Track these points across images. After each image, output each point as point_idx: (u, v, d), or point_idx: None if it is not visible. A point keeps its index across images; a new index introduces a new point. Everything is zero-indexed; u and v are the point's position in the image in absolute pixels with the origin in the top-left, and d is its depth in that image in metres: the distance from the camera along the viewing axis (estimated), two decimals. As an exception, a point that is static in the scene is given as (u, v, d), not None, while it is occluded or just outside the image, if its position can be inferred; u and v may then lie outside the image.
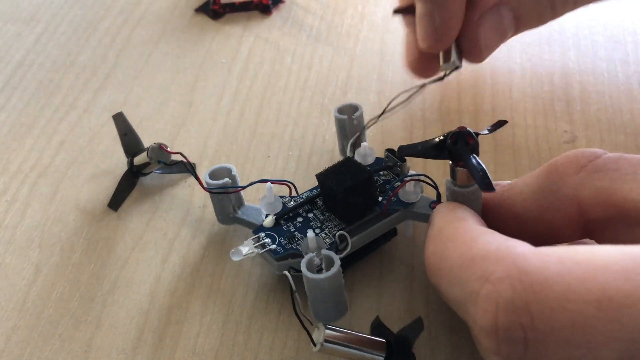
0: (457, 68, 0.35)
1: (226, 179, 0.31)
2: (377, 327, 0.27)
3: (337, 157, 0.37)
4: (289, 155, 0.38)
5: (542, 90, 0.40)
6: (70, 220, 0.35)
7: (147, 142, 0.36)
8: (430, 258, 0.25)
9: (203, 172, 0.37)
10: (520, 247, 0.22)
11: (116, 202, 0.35)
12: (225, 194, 0.31)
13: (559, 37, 0.45)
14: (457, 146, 0.26)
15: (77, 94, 0.43)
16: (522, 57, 0.43)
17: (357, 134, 0.34)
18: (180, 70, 0.44)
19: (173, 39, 0.47)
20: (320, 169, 0.37)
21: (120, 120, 0.35)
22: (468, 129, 0.26)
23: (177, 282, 0.32)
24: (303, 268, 0.26)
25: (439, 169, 0.35)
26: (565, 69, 0.42)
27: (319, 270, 0.26)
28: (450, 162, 0.26)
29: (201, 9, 0.49)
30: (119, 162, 0.38)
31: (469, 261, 0.22)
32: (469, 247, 0.23)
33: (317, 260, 0.26)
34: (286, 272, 0.27)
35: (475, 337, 0.22)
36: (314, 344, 0.25)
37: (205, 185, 0.31)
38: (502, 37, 0.36)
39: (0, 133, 0.41)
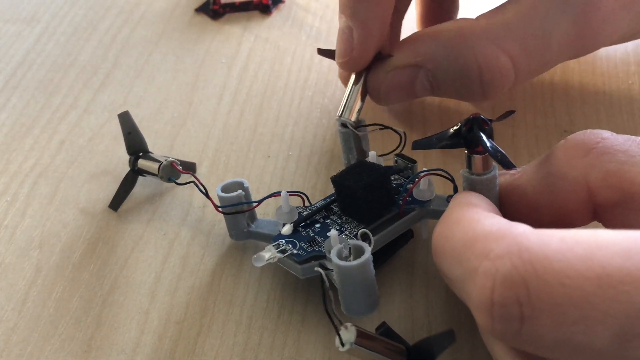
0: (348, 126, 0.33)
1: (239, 191, 0.31)
2: (385, 332, 0.27)
3: (338, 158, 0.37)
4: (289, 155, 0.38)
5: (542, 90, 0.40)
6: (70, 220, 0.35)
7: (147, 143, 0.36)
8: (436, 239, 0.25)
9: (203, 173, 0.37)
10: (522, 228, 0.22)
11: (117, 202, 0.35)
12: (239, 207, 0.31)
13: (559, 37, 0.45)
14: (473, 132, 0.26)
15: (77, 94, 0.43)
16: (522, 57, 0.43)
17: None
18: (180, 70, 0.44)
19: (173, 39, 0.47)
20: (321, 169, 0.37)
21: (125, 118, 0.35)
22: (481, 115, 0.26)
23: (177, 282, 0.32)
24: (334, 257, 0.26)
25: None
26: (565, 69, 0.42)
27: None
28: (466, 151, 0.27)
29: (201, 9, 0.49)
30: (119, 162, 0.38)
31: (471, 240, 0.22)
32: (473, 228, 0.23)
33: (345, 252, 0.26)
34: (318, 269, 0.27)
35: (473, 315, 0.22)
36: (342, 344, 0.25)
37: (218, 199, 0.31)
38: (410, 96, 0.34)
39: (0, 133, 0.41)
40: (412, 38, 0.34)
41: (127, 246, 0.33)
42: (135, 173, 0.36)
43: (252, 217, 0.32)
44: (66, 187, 0.37)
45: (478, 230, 0.23)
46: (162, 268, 0.32)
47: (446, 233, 0.24)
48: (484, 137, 0.26)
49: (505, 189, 0.28)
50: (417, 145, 0.28)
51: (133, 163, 0.35)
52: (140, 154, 0.35)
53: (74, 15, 0.50)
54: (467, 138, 0.26)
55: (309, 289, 0.31)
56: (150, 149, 0.36)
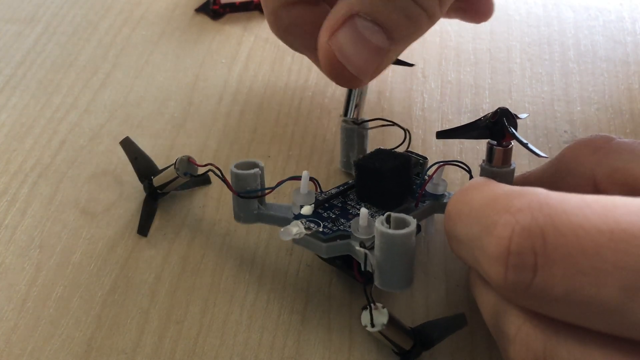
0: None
1: (256, 169, 0.30)
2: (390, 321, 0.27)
3: (338, 158, 0.37)
4: (289, 155, 0.38)
5: (542, 91, 0.40)
6: (70, 220, 0.35)
7: (147, 143, 0.36)
8: (452, 205, 0.26)
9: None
10: (543, 189, 0.23)
11: (144, 228, 0.34)
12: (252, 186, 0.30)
13: (558, 37, 0.45)
14: (502, 123, 0.27)
15: (77, 94, 0.43)
16: (522, 57, 0.43)
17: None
18: (180, 70, 0.44)
19: (173, 39, 0.47)
20: (321, 169, 0.37)
21: (128, 145, 0.35)
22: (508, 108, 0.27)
23: (177, 282, 0.32)
24: (379, 225, 0.25)
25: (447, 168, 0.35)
26: (565, 69, 0.42)
27: None
28: (488, 144, 0.28)
29: (201, 9, 0.49)
30: (119, 162, 0.38)
31: (492, 200, 0.23)
32: (493, 190, 0.24)
33: (385, 224, 0.26)
34: (360, 249, 0.27)
35: (483, 273, 0.23)
36: (372, 324, 0.25)
37: (231, 179, 0.30)
38: (373, 52, 0.28)
39: (0, 133, 0.41)
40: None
41: (127, 246, 0.33)
42: (153, 197, 0.35)
43: (262, 200, 0.31)
44: (66, 187, 0.37)
45: (499, 192, 0.23)
46: (162, 268, 0.32)
47: (465, 198, 0.25)
48: (512, 128, 0.27)
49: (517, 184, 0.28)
50: (441, 135, 0.29)
51: (149, 187, 0.35)
52: (152, 177, 0.34)
53: (74, 15, 0.50)
54: (493, 129, 0.27)
55: (309, 289, 0.31)
56: (150, 149, 0.36)
